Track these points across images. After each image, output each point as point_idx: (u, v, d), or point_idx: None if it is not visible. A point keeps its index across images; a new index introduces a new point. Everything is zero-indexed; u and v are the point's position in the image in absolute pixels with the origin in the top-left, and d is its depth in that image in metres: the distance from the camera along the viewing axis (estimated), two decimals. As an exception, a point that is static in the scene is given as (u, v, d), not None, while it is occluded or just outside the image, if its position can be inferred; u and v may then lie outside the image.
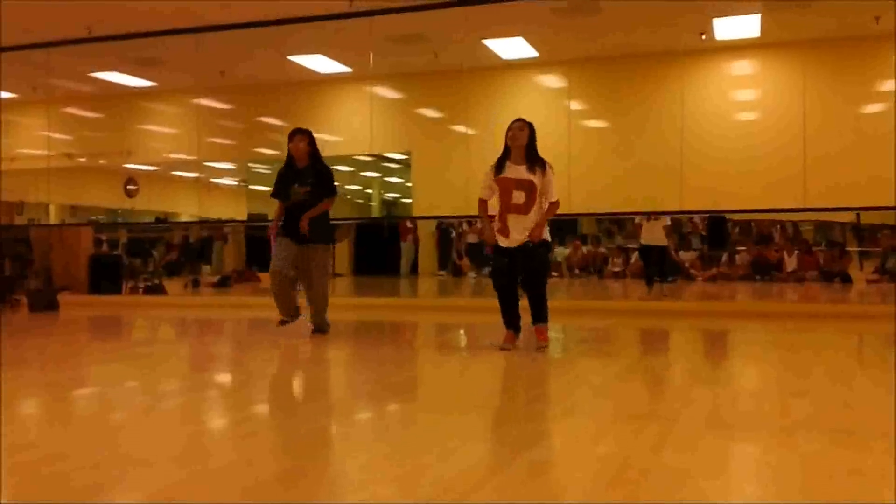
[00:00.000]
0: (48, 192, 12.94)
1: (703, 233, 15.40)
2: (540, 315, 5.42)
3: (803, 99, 9.20)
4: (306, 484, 2.58)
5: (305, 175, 6.16)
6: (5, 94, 12.04)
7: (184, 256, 15.69)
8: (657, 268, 11.29)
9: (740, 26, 8.76)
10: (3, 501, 2.16)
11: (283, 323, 6.35)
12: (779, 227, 15.96)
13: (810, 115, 9.15)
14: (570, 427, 3.30)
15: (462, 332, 7.01)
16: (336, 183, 6.37)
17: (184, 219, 13.59)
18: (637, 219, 11.07)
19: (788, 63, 9.43)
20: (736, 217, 14.82)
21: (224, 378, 5.04)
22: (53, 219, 13.35)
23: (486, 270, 15.56)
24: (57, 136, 12.20)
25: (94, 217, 13.47)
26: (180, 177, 12.39)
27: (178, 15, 8.69)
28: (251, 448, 3.05)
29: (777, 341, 6.59)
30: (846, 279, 13.03)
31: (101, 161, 12.24)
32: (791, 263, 13.92)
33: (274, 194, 6.28)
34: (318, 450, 3.09)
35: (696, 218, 15.34)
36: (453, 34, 9.21)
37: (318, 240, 6.20)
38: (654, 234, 10.93)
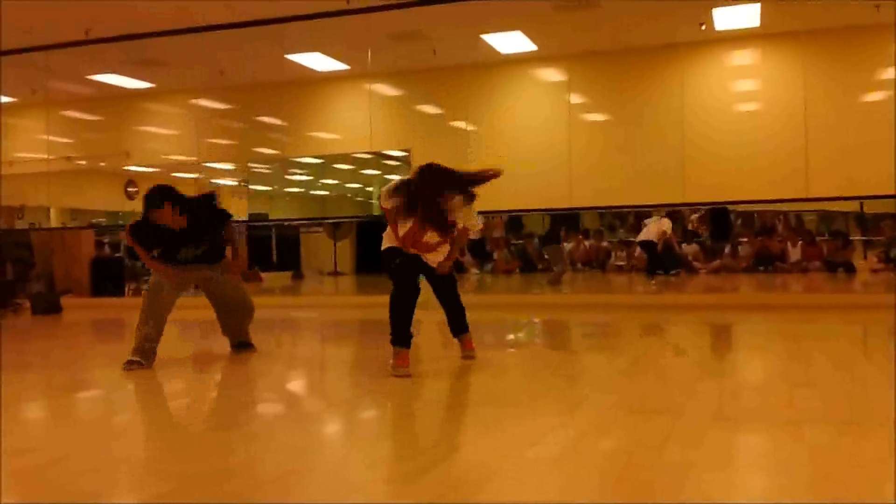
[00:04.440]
0: (49, 195, 12.92)
1: (702, 232, 15.37)
2: (463, 325, 4.97)
3: (804, 89, 9.15)
4: (309, 483, 2.55)
5: (189, 232, 5.13)
6: (4, 99, 12.02)
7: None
8: (653, 260, 12.38)
9: (740, 16, 8.71)
10: (3, 502, 2.15)
11: (132, 364, 4.91)
12: (782, 217, 15.90)
13: (812, 105, 9.10)
14: (575, 422, 3.27)
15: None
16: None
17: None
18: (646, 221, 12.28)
19: (789, 53, 9.37)
20: (738, 208, 14.78)
21: (226, 379, 5.02)
22: (54, 222, 13.33)
23: (489, 267, 15.57)
24: (56, 139, 12.18)
25: (95, 220, 13.45)
26: (181, 178, 12.36)
27: (176, 15, 8.66)
28: (253, 449, 3.03)
29: (781, 333, 6.56)
30: (850, 269, 12.98)
31: (102, 164, 12.22)
32: (794, 254, 13.87)
33: (151, 252, 5.18)
34: (322, 449, 3.07)
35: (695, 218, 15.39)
36: (451, 30, 9.18)
37: (212, 261, 5.34)
38: (648, 231, 12.17)
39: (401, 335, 4.48)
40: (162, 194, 5.01)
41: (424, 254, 4.61)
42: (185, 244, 5.16)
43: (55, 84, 11.25)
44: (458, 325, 4.96)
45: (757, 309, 8.13)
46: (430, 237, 4.53)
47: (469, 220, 4.58)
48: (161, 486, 2.54)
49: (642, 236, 12.87)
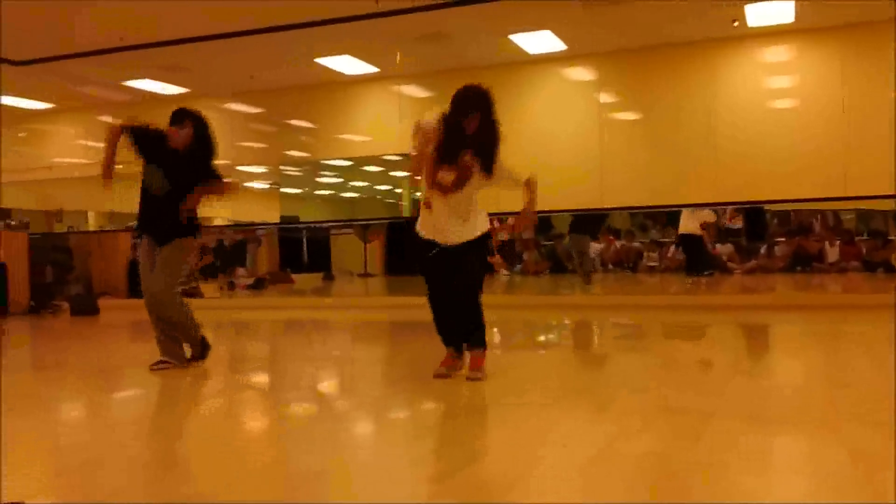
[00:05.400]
0: (86, 199, 13.14)
1: (738, 225, 15.10)
2: (473, 336, 4.30)
3: (841, 85, 8.98)
4: (340, 483, 2.56)
5: (178, 162, 4.98)
6: (42, 105, 12.24)
7: (219, 260, 15.86)
8: (694, 259, 11.85)
9: (774, 12, 8.57)
10: (4, 502, 2.17)
11: (159, 364, 4.93)
12: (819, 216, 15.65)
13: (849, 102, 8.93)
14: (606, 423, 3.24)
15: (495, 329, 6.96)
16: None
17: (218, 223, 13.70)
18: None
19: (825, 48, 9.20)
20: (774, 208, 14.57)
21: (257, 380, 5.05)
22: (92, 225, 13.55)
23: (519, 268, 15.52)
24: (94, 144, 12.37)
25: (131, 223, 13.66)
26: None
27: (207, 22, 8.74)
28: (283, 449, 3.04)
29: (818, 333, 6.44)
30: (890, 269, 12.73)
31: (137, 168, 12.38)
32: (832, 254, 13.64)
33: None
34: (352, 449, 3.07)
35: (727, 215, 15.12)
36: (480, 30, 9.15)
37: (172, 235, 4.94)
38: (689, 224, 11.57)
39: (442, 335, 4.38)
40: (188, 114, 4.98)
41: (438, 195, 4.19)
42: (169, 168, 4.95)
43: (92, 90, 11.43)
44: (466, 333, 4.33)
45: (794, 309, 8.00)
46: (444, 176, 4.18)
47: (515, 172, 4.33)
48: (196, 485, 2.56)
49: (682, 229, 12.25)
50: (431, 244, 4.30)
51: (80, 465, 2.82)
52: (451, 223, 4.25)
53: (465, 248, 4.27)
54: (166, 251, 4.93)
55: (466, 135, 4.19)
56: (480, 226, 4.33)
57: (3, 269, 10.17)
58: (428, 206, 4.23)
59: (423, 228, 4.35)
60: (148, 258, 4.99)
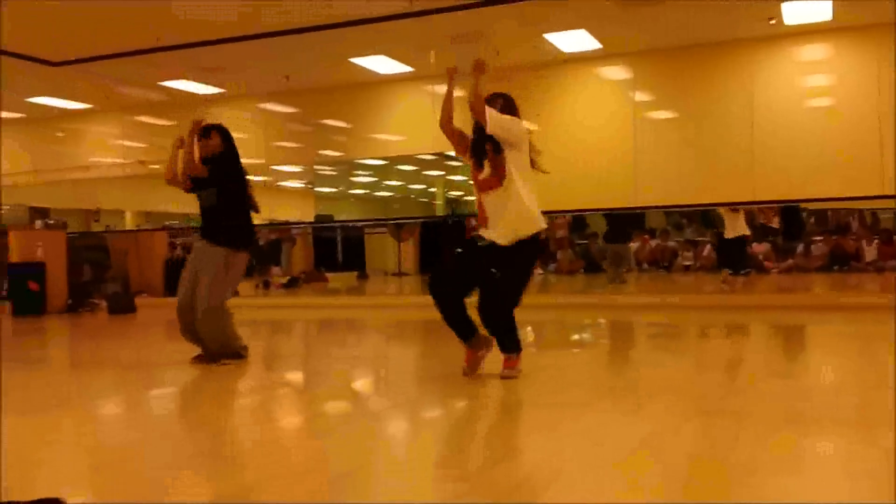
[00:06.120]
0: (123, 199, 13.33)
1: (775, 225, 14.88)
2: (505, 342, 4.30)
3: (879, 83, 8.83)
4: (373, 482, 2.58)
5: (210, 175, 5.40)
6: (79, 105, 12.44)
7: (254, 258, 16.03)
8: (734, 257, 11.33)
9: (811, 10, 8.46)
10: (42, 497, 2.22)
11: (198, 359, 5.12)
12: (856, 215, 15.40)
13: (887, 100, 8.78)
14: (640, 423, 3.23)
15: (528, 328, 6.96)
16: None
17: (253, 221, 13.86)
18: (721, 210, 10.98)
19: (863, 46, 9.06)
20: (811, 206, 14.36)
21: (293, 377, 5.10)
22: (129, 225, 13.76)
23: (553, 266, 15.46)
24: (130, 144, 12.55)
25: (167, 222, 13.84)
26: (249, 180, 12.65)
27: (243, 22, 8.83)
28: (319, 446, 3.07)
29: (855, 334, 6.35)
30: (930, 268, 12.50)
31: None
32: (870, 253, 13.42)
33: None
34: (385, 448, 3.09)
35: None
36: (514, 29, 9.14)
37: (214, 239, 5.23)
38: (736, 226, 10.94)
39: (452, 328, 4.36)
40: (213, 127, 5.57)
41: (491, 215, 4.27)
42: (206, 185, 5.36)
43: (128, 91, 11.59)
44: (498, 339, 4.32)
45: (830, 309, 7.89)
46: (483, 174, 4.36)
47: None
48: (231, 483, 2.60)
49: (729, 234, 11.05)
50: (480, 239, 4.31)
51: (117, 461, 2.87)
52: (500, 221, 4.24)
53: (515, 249, 4.21)
54: (207, 259, 5.12)
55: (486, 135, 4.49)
56: (530, 224, 4.26)
57: (42, 268, 10.37)
58: (483, 223, 4.30)
59: (480, 233, 4.36)
60: (190, 261, 5.26)
